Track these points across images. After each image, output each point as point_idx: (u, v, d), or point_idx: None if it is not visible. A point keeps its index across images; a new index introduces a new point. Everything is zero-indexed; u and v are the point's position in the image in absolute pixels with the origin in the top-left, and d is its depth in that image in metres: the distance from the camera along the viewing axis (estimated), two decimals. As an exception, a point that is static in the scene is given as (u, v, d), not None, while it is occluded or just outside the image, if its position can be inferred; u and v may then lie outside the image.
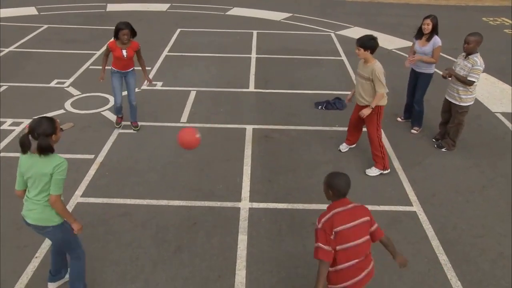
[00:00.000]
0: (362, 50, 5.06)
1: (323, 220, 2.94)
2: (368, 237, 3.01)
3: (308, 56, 9.61)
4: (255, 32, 11.25)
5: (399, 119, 6.88)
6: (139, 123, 6.49)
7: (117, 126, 6.47)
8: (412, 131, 6.59)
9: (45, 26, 11.34)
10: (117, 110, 6.37)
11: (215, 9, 13.61)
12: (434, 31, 6.09)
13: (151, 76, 8.31)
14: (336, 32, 11.50)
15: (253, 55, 9.62)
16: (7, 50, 9.54)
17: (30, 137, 3.18)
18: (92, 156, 5.78)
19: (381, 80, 5.05)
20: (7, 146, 5.94)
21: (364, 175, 5.53)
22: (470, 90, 5.69)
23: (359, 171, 5.59)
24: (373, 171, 5.53)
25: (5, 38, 10.22)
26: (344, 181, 3.00)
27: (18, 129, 6.34)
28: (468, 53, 5.58)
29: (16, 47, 9.73)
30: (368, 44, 5.02)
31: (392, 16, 13.24)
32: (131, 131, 6.40)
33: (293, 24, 12.20)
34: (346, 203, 3.01)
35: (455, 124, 5.96)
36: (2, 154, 5.75)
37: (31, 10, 12.87)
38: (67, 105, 7.18)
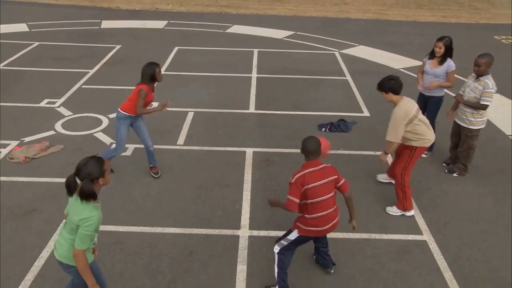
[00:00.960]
0: (384, 94, 4.90)
1: (296, 176, 3.77)
2: (333, 193, 3.89)
3: (312, 76, 9.72)
4: (256, 51, 11.42)
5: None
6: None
7: (156, 176, 5.95)
8: (422, 155, 6.60)
9: (36, 43, 11.52)
10: (115, 157, 5.78)
11: (215, 26, 13.85)
12: (448, 54, 6.10)
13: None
14: (341, 51, 11.67)
15: (254, 75, 9.73)
16: (-4, 68, 9.67)
17: (76, 178, 3.09)
18: (82, 180, 5.77)
19: (393, 126, 4.86)
20: (-7, 169, 5.96)
21: (370, 201, 5.52)
22: (480, 112, 5.73)
23: (363, 196, 5.58)
24: (394, 210, 5.34)
25: (-5, 55, 10.38)
26: (313, 142, 3.82)
27: (4, 151, 6.37)
28: (479, 75, 5.64)
29: (5, 65, 9.86)
30: (387, 85, 4.85)
31: (400, 35, 13.45)
32: (125, 153, 6.41)
33: (295, 43, 12.39)
34: (318, 164, 3.85)
35: (465, 149, 5.98)
36: (-12, 177, 5.76)
37: (22, 27, 13.10)
38: (58, 126, 7.23)
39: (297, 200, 3.74)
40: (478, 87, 5.62)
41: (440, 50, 6.08)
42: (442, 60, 6.12)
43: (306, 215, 3.87)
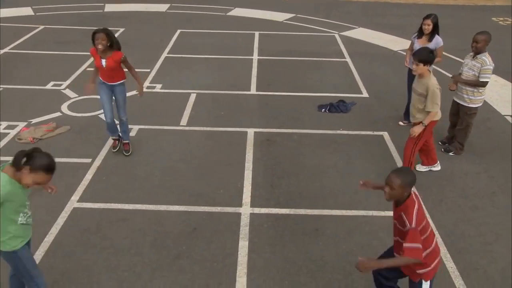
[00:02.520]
0: (421, 65, 4.90)
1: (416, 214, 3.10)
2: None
3: (312, 58, 9.65)
4: (257, 33, 11.31)
5: (401, 123, 6.85)
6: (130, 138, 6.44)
7: (114, 150, 5.96)
8: (400, 122, 6.85)
9: (42, 27, 11.42)
10: (109, 128, 5.85)
11: (216, 9, 13.69)
12: (435, 30, 6.20)
13: (150, 77, 8.37)
14: (341, 33, 11.55)
15: (255, 57, 9.66)
16: (2, 51, 9.62)
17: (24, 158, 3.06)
18: (89, 160, 5.81)
19: (435, 96, 4.93)
20: (1, 150, 5.97)
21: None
22: (480, 91, 5.71)
23: (362, 176, 5.60)
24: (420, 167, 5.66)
25: (1, 39, 10.30)
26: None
27: (13, 132, 6.39)
28: (477, 52, 5.61)
29: (11, 48, 9.80)
30: (430, 58, 4.93)
31: (399, 17, 13.29)
32: (130, 134, 6.41)
33: (296, 25, 12.26)
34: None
35: (464, 127, 5.98)
36: (-3, 158, 5.79)
37: (27, 11, 12.98)
38: (64, 107, 7.23)
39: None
40: (476, 64, 5.59)
41: (428, 27, 6.17)
42: (431, 37, 6.22)
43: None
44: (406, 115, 6.70)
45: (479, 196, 5.32)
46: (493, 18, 13.47)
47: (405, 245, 3.02)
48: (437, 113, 5.11)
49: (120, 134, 6.02)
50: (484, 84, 5.61)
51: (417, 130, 5.14)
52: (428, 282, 3.28)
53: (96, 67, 5.58)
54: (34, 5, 13.50)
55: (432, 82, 4.93)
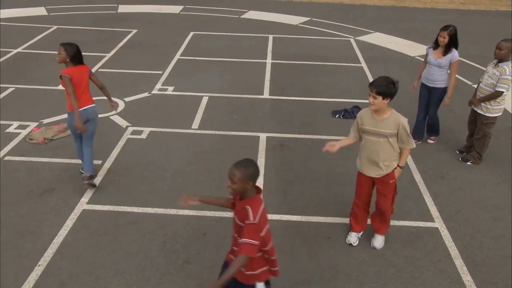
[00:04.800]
0: (380, 98, 3.85)
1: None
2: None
3: (326, 63, 9.65)
4: (271, 37, 11.35)
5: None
6: (148, 128, 6.50)
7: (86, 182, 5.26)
8: (429, 141, 6.54)
9: (55, 27, 11.61)
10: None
11: (230, 12, 13.78)
12: (452, 43, 5.86)
13: (162, 79, 8.44)
14: (356, 38, 11.53)
15: (269, 61, 9.69)
16: (15, 51, 9.79)
17: None
18: (99, 162, 5.87)
19: (408, 133, 4.04)
20: (12, 150, 6.06)
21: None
22: (497, 100, 5.65)
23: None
24: (380, 240, 4.58)
25: (14, 38, 10.50)
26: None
27: (24, 132, 6.49)
28: (500, 60, 5.55)
29: (24, 48, 9.98)
30: (392, 90, 3.86)
31: (416, 21, 13.23)
32: (141, 136, 6.48)
33: (311, 29, 12.27)
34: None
35: (481, 137, 5.91)
36: (7, 158, 5.87)
37: (41, 11, 13.20)
38: (75, 108, 7.32)
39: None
40: (496, 73, 5.53)
41: (444, 39, 5.82)
42: (446, 51, 5.89)
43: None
44: (415, 133, 6.38)
45: (499, 208, 5.25)
46: (514, 25, 13.33)
47: (241, 240, 2.91)
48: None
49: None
50: (498, 94, 5.51)
51: (398, 174, 4.25)
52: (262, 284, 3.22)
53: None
54: (47, 5, 13.73)
55: (402, 118, 4.00)
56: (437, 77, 6.05)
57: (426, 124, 6.50)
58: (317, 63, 9.61)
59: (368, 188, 4.39)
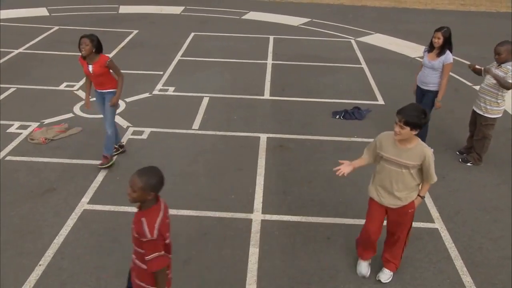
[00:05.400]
0: (408, 129, 3.51)
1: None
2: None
3: (327, 63, 9.66)
4: (271, 38, 11.36)
5: None
6: (153, 128, 6.52)
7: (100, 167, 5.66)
8: None
9: (56, 28, 11.62)
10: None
11: (231, 13, 13.79)
12: (447, 45, 5.82)
13: (163, 80, 8.44)
14: (357, 39, 11.54)
15: (269, 61, 9.70)
16: (17, 51, 9.81)
17: None
18: (99, 162, 5.87)
19: (433, 166, 3.75)
20: (13, 150, 6.07)
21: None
22: (499, 101, 5.66)
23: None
24: (387, 275, 4.24)
25: (15, 39, 10.51)
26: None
27: (25, 132, 6.50)
28: (501, 63, 5.56)
29: (26, 49, 9.99)
30: (422, 121, 3.52)
31: (417, 23, 13.23)
32: (141, 137, 6.49)
33: (311, 30, 12.28)
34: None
35: (480, 138, 5.91)
36: (8, 158, 5.88)
37: (42, 11, 13.22)
38: (76, 109, 7.33)
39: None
40: (499, 73, 5.53)
41: (438, 40, 5.77)
42: (440, 52, 5.84)
43: None
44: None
45: (499, 209, 5.25)
46: (515, 26, 13.33)
47: (147, 258, 2.86)
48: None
49: (116, 145, 5.97)
50: (508, 86, 5.45)
51: (418, 204, 3.97)
52: None
53: (85, 75, 5.63)
54: (49, 5, 13.75)
55: (429, 150, 3.70)
56: (430, 79, 6.01)
57: None
58: (318, 64, 9.62)
59: (381, 215, 4.04)
